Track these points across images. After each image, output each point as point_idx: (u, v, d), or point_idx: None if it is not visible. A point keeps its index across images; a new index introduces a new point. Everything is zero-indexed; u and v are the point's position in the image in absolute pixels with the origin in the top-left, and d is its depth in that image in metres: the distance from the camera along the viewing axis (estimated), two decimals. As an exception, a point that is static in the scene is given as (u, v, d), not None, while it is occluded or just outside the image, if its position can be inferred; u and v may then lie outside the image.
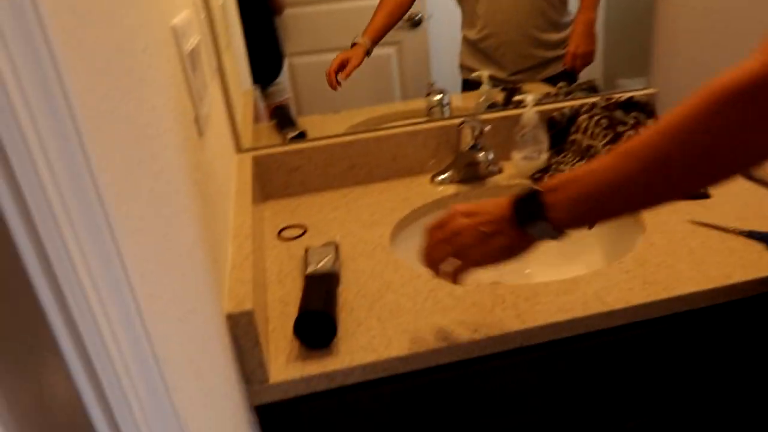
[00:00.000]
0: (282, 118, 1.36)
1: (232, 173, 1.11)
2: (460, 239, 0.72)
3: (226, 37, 1.24)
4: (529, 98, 1.26)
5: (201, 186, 0.70)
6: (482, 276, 1.17)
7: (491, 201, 0.73)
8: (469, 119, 1.26)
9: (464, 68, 1.45)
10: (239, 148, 1.27)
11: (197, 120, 0.77)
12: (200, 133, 0.78)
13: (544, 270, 1.19)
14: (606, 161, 0.62)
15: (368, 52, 1.36)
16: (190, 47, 0.80)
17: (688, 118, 0.57)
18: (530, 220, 0.68)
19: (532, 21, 1.41)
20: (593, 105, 1.31)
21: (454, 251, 0.73)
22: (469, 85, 1.45)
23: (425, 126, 1.33)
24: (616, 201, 0.62)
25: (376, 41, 1.36)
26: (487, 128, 1.27)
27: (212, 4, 1.14)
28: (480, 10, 1.40)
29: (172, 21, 0.73)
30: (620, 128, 1.25)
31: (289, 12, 1.32)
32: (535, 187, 0.68)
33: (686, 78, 1.49)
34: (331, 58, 1.36)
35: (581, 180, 0.64)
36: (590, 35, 1.40)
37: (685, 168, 0.58)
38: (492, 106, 1.41)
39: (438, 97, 1.40)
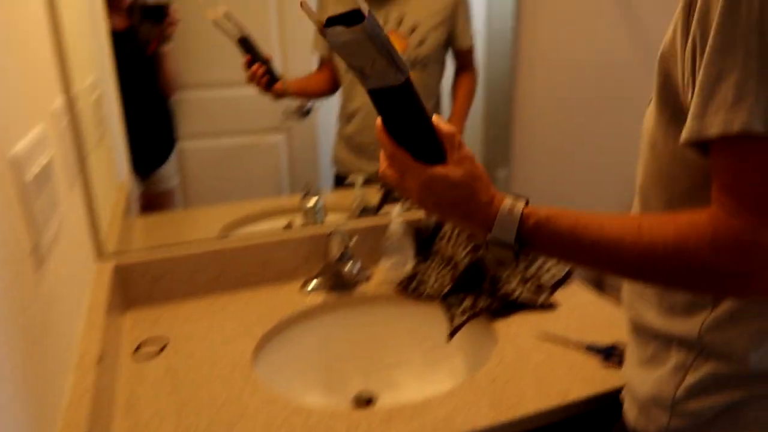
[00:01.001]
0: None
1: (87, 288, 1.06)
2: (428, 193, 0.69)
3: (97, 132, 1.21)
4: (395, 210, 1.32)
5: (30, 326, 0.66)
6: (350, 384, 1.17)
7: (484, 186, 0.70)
8: (337, 231, 1.30)
9: (338, 162, 1.51)
10: (101, 254, 1.22)
11: (36, 250, 0.74)
12: (38, 263, 0.74)
13: (408, 379, 1.22)
14: (584, 226, 0.65)
15: (284, 95, 1.39)
16: (38, 169, 0.78)
17: (656, 247, 0.59)
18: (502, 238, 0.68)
19: None
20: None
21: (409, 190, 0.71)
22: (342, 179, 1.50)
23: (295, 235, 1.35)
24: (576, 258, 0.66)
25: (295, 89, 1.40)
26: (354, 239, 1.31)
27: (80, 105, 1.12)
28: (357, 102, 1.47)
29: (12, 150, 0.70)
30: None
31: (183, 95, 1.32)
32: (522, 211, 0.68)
33: (541, 165, 1.64)
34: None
35: (561, 224, 0.66)
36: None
37: (638, 275, 0.64)
38: (366, 211, 1.46)
39: (312, 202, 1.43)
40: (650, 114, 0.71)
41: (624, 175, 1.71)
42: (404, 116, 0.67)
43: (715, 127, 0.55)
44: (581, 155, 1.69)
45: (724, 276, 0.57)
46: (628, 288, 0.81)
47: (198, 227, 1.38)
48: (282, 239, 1.33)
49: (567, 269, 1.34)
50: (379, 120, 0.70)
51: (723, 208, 0.57)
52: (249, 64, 1.34)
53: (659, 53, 0.66)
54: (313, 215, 1.43)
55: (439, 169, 0.68)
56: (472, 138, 1.58)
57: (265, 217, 1.44)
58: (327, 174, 1.52)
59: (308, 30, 1.37)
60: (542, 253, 0.69)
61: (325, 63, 1.45)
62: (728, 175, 0.56)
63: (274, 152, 1.46)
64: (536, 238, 0.67)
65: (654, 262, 0.60)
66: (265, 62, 1.36)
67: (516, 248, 0.68)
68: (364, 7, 0.56)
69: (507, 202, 0.69)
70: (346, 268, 1.29)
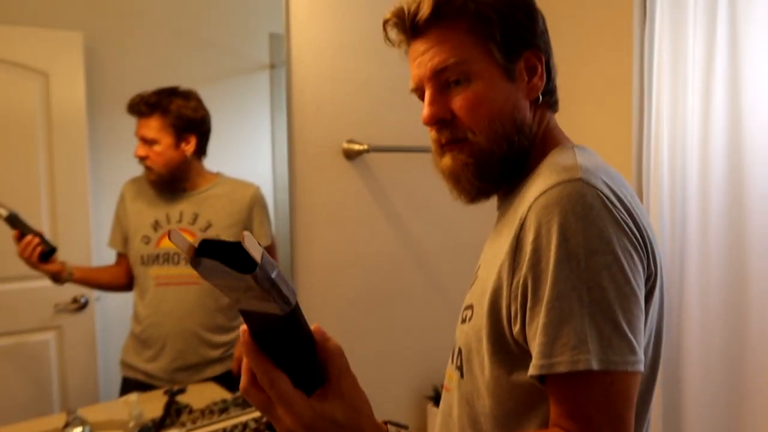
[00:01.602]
0: None
1: None
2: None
3: None
4: None
5: None
6: None
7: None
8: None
9: (125, 365, 1.39)
10: None
11: None
12: None
13: None
14: None
15: (65, 277, 1.28)
16: None
17: None
18: None
19: (198, 318, 1.46)
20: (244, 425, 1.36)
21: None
22: (130, 384, 1.38)
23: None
24: None
25: (80, 275, 1.31)
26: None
27: None
28: (147, 298, 1.41)
29: None
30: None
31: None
32: None
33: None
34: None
35: None
36: None
37: None
38: (145, 429, 1.33)
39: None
40: (474, 336, 0.77)
41: (407, 364, 1.89)
42: (285, 344, 0.57)
43: (563, 366, 0.64)
44: (361, 347, 1.81)
45: None
46: None
47: None
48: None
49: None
50: (244, 328, 0.57)
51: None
52: (19, 238, 1.25)
53: (489, 293, 0.74)
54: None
55: (326, 408, 0.58)
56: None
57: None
58: (109, 379, 1.39)
59: (81, 218, 1.36)
60: None
61: (122, 255, 1.41)
62: (572, 404, 0.66)
63: (41, 355, 1.30)
64: None
65: None
66: (38, 235, 1.28)
67: None
68: (256, 252, 0.48)
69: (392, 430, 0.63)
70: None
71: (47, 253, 1.28)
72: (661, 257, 0.76)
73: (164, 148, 1.41)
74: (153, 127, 1.40)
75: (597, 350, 0.64)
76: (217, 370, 1.48)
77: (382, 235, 1.83)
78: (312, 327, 0.60)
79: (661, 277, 0.76)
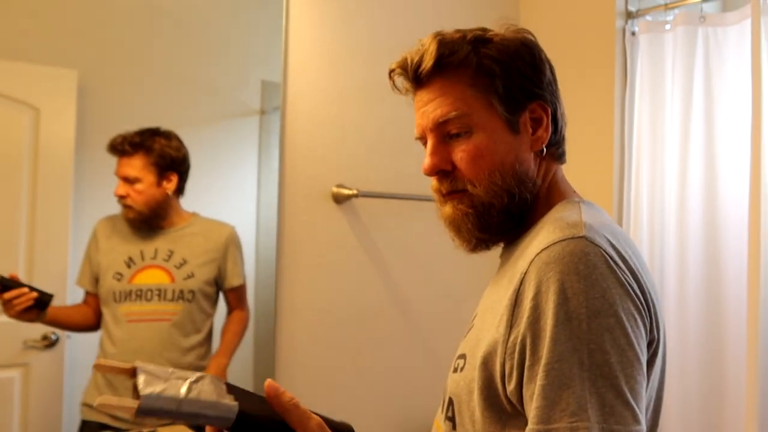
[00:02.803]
0: None
1: None
2: None
3: None
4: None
5: None
6: None
7: None
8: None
9: (87, 407, 1.35)
10: None
11: None
12: None
13: None
14: None
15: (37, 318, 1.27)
16: None
17: None
18: None
19: (168, 355, 1.44)
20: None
21: None
22: (92, 428, 1.33)
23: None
24: None
25: (50, 317, 1.30)
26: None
27: None
28: (117, 335, 1.38)
29: None
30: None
31: None
32: None
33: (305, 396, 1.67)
34: None
35: None
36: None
37: None
38: None
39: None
40: (465, 387, 0.74)
41: (386, 411, 1.86)
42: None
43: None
44: (341, 392, 1.77)
45: None
46: None
47: None
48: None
49: None
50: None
51: None
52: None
53: (485, 346, 0.71)
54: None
55: None
56: (245, 370, 1.59)
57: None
58: (72, 422, 1.34)
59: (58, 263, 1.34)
60: None
61: (90, 295, 1.39)
62: None
63: (4, 393, 1.25)
64: None
65: None
66: (25, 286, 1.26)
67: None
68: (142, 390, 0.56)
69: None
70: None
71: (45, 302, 1.27)
72: (664, 321, 0.74)
73: (146, 186, 1.42)
74: (136, 166, 1.41)
75: (598, 417, 0.60)
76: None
77: (367, 280, 1.83)
78: (265, 384, 0.64)
79: (664, 341, 0.74)
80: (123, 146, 1.39)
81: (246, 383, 1.60)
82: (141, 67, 1.43)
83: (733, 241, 1.67)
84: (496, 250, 0.86)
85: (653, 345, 0.69)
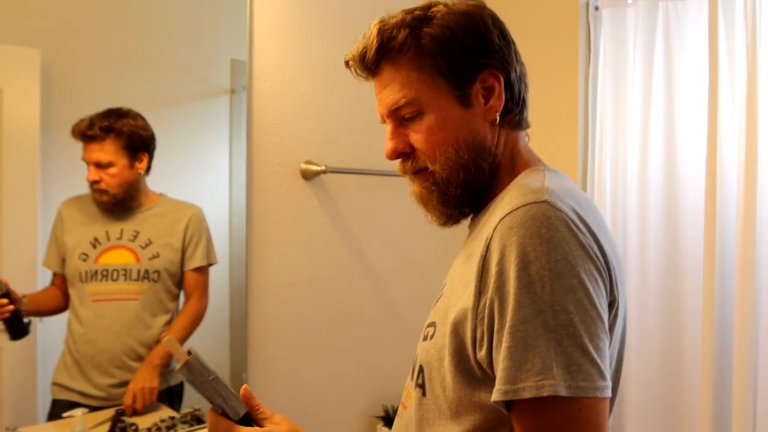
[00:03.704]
0: None
1: None
2: None
3: None
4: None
5: None
6: None
7: None
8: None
9: (58, 386, 1.36)
10: None
11: None
12: None
13: None
14: None
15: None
16: None
17: None
18: None
19: (136, 334, 1.44)
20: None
21: None
22: (63, 406, 1.34)
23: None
24: None
25: (32, 308, 1.32)
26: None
27: None
28: (84, 315, 1.39)
29: None
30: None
31: None
32: None
33: (276, 371, 1.70)
34: None
35: None
36: (155, 375, 1.46)
37: None
38: None
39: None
40: (436, 354, 0.76)
41: (358, 384, 1.90)
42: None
43: (527, 391, 0.63)
44: (312, 367, 1.80)
45: None
46: None
47: None
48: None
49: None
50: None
51: None
52: None
53: (454, 313, 0.73)
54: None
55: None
56: (220, 347, 1.61)
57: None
58: (48, 402, 1.35)
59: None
60: None
61: (58, 276, 1.39)
62: (536, 428, 0.65)
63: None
64: None
65: None
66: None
67: None
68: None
69: None
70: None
71: (16, 331, 1.28)
72: (625, 285, 0.76)
73: (120, 169, 1.41)
74: (108, 150, 1.39)
75: (564, 375, 0.62)
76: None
77: (337, 255, 1.85)
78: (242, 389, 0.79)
79: (624, 304, 0.76)
80: (93, 131, 1.37)
81: (223, 361, 1.62)
82: (106, 47, 1.40)
83: (691, 210, 1.74)
84: (467, 221, 0.88)
85: (614, 306, 0.71)
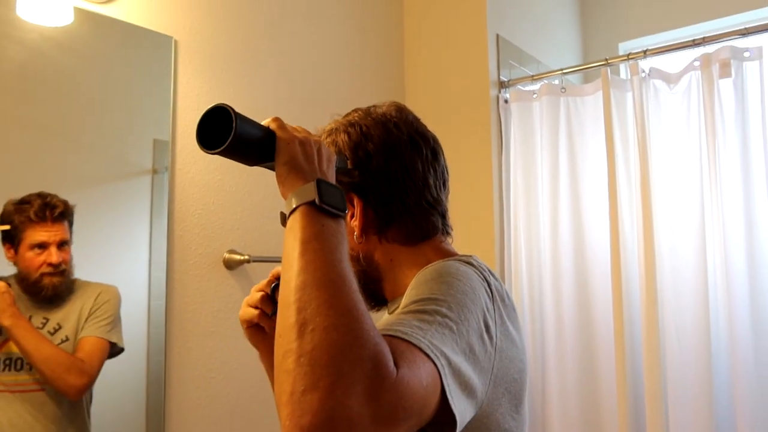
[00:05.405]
0: None
1: None
2: None
3: None
4: None
5: None
6: None
7: None
8: None
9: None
10: None
11: None
12: None
13: None
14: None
15: None
16: None
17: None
18: None
19: (39, 426, 1.32)
20: None
21: None
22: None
23: None
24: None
25: None
26: None
27: None
28: None
29: None
30: None
31: None
32: None
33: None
34: None
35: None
36: None
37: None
38: None
39: None
40: None
41: None
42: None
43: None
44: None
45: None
46: None
47: None
48: None
49: None
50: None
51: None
52: None
53: None
54: None
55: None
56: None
57: None
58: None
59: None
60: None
61: None
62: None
63: None
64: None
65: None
66: None
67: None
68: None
69: None
70: None
71: None
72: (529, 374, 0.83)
73: (69, 248, 1.39)
74: (66, 229, 1.37)
75: (429, 337, 0.62)
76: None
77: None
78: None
79: (522, 354, 0.79)
80: (53, 211, 1.35)
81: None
82: (27, 127, 1.38)
83: (599, 276, 1.90)
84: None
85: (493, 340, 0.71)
